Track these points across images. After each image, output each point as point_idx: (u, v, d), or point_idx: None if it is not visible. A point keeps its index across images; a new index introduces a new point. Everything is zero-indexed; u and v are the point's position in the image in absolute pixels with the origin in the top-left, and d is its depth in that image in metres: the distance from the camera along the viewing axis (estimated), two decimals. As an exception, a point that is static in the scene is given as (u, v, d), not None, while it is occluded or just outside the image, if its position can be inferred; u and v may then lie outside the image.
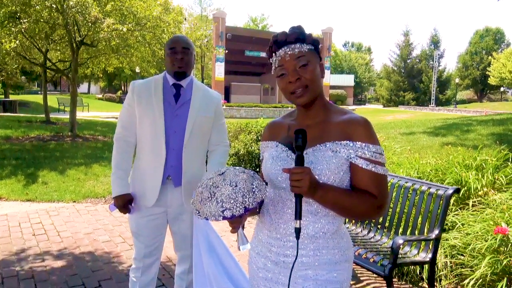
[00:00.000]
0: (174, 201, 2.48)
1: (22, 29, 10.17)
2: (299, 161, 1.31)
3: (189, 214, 2.52)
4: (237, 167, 1.51)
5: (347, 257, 1.51)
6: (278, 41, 1.47)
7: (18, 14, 10.33)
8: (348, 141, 1.41)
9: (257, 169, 6.17)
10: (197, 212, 1.47)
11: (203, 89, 2.54)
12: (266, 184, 1.56)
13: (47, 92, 16.73)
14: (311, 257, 1.45)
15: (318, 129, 1.46)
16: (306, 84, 1.43)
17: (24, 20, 10.19)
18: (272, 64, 1.52)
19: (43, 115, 16.25)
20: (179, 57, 2.38)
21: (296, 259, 1.36)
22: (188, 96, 2.46)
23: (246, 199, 1.38)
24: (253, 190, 1.41)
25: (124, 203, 2.43)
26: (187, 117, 2.42)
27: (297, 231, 1.31)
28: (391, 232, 3.58)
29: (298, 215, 1.30)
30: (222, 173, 1.48)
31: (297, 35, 1.45)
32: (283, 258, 1.49)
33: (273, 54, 1.49)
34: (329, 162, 1.40)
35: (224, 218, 1.39)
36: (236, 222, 1.47)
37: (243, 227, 1.58)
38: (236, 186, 1.40)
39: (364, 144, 1.40)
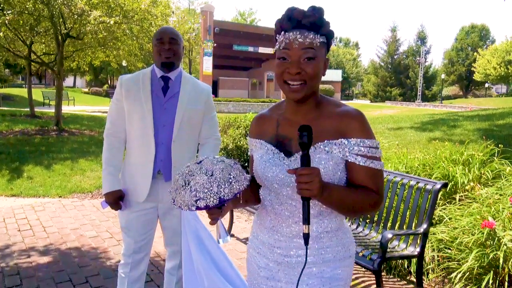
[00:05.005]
0: (165, 196, 2.45)
1: (6, 21, 9.93)
2: (305, 161, 1.21)
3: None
4: (218, 156, 1.45)
5: (351, 253, 1.48)
6: (292, 18, 1.33)
7: (2, 5, 10.10)
8: (342, 139, 1.35)
9: (246, 164, 6.15)
10: (173, 201, 1.41)
11: (192, 82, 2.50)
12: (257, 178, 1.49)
13: (32, 86, 16.44)
14: (316, 256, 1.41)
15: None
16: (305, 79, 1.32)
17: (8, 12, 9.97)
18: (276, 41, 1.38)
19: (28, 109, 15.97)
20: (167, 47, 2.35)
21: (304, 267, 1.31)
22: (176, 89, 2.43)
23: (221, 190, 1.32)
24: (230, 180, 1.34)
25: (115, 199, 2.41)
26: (175, 110, 2.39)
27: (306, 237, 1.22)
28: (380, 227, 3.60)
29: (306, 220, 1.21)
30: (200, 162, 1.41)
31: (315, 20, 1.32)
32: (287, 258, 1.44)
33: (283, 31, 1.35)
34: (326, 164, 1.33)
35: (198, 208, 1.33)
36: (216, 213, 1.39)
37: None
38: (211, 175, 1.34)
39: (359, 140, 1.34)
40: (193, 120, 2.47)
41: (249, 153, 1.62)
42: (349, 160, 1.35)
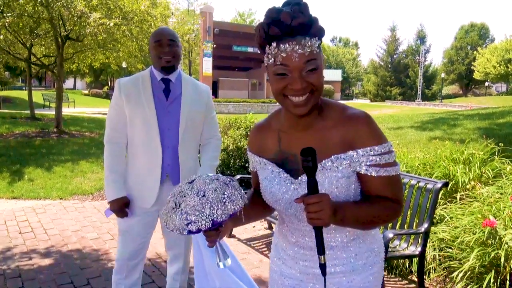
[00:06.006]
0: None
1: (6, 23, 9.96)
2: (312, 187, 1.10)
3: None
4: (212, 174, 1.35)
5: (381, 256, 1.38)
6: (280, 22, 1.15)
7: (1, 8, 10.12)
8: (351, 152, 1.22)
9: (247, 165, 6.15)
10: (165, 224, 1.31)
11: (192, 83, 2.48)
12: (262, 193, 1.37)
13: (32, 88, 16.45)
14: (345, 265, 1.32)
15: (314, 140, 1.23)
16: (311, 88, 1.18)
17: (8, 14, 9.99)
18: (266, 51, 1.21)
19: (28, 111, 16.00)
20: (166, 50, 2.29)
21: None
22: (178, 91, 2.40)
23: (214, 211, 1.21)
24: (224, 200, 1.23)
25: (121, 207, 2.35)
26: (179, 113, 2.36)
27: (322, 268, 1.12)
28: (381, 226, 3.60)
29: (321, 250, 1.11)
30: (192, 181, 1.31)
31: (304, 20, 1.15)
32: (315, 269, 1.34)
33: (274, 41, 1.17)
34: (338, 182, 1.22)
35: (190, 232, 1.23)
36: (213, 236, 1.27)
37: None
38: (203, 196, 1.24)
39: (369, 148, 1.21)
40: (197, 122, 2.45)
41: (250, 168, 1.49)
42: (361, 172, 1.23)
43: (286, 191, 1.28)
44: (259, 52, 1.29)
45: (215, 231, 1.27)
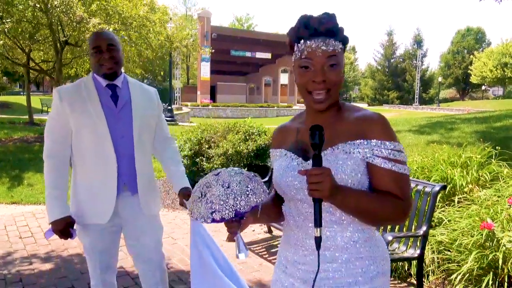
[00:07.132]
0: (130, 210, 2.29)
1: (5, 29, 10.00)
2: (317, 161, 1.17)
3: (148, 221, 2.35)
4: (236, 168, 1.42)
5: (384, 270, 1.36)
6: (308, 26, 1.30)
7: (0, 14, 10.15)
8: (362, 140, 1.28)
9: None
10: (190, 212, 1.39)
11: (139, 85, 2.37)
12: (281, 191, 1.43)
13: (30, 93, 16.46)
14: (344, 271, 1.31)
15: (329, 131, 1.29)
16: (329, 87, 1.29)
17: (7, 20, 10.02)
18: (294, 49, 1.35)
19: (26, 116, 15.97)
20: (107, 56, 2.16)
21: (317, 273, 1.23)
22: (126, 96, 2.27)
23: (237, 202, 1.29)
24: (247, 193, 1.31)
25: (64, 227, 2.16)
26: (131, 119, 2.24)
27: (317, 241, 1.17)
28: (380, 229, 3.63)
29: (318, 223, 1.17)
30: (218, 173, 1.39)
31: (331, 27, 1.30)
32: (313, 275, 1.31)
33: (302, 39, 1.32)
34: (344, 165, 1.27)
35: (214, 220, 1.30)
36: (234, 227, 1.34)
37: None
38: (228, 187, 1.31)
39: (379, 141, 1.27)
40: (151, 126, 2.36)
41: (271, 167, 1.58)
42: (370, 162, 1.28)
43: (294, 171, 1.35)
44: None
45: (237, 223, 1.34)
